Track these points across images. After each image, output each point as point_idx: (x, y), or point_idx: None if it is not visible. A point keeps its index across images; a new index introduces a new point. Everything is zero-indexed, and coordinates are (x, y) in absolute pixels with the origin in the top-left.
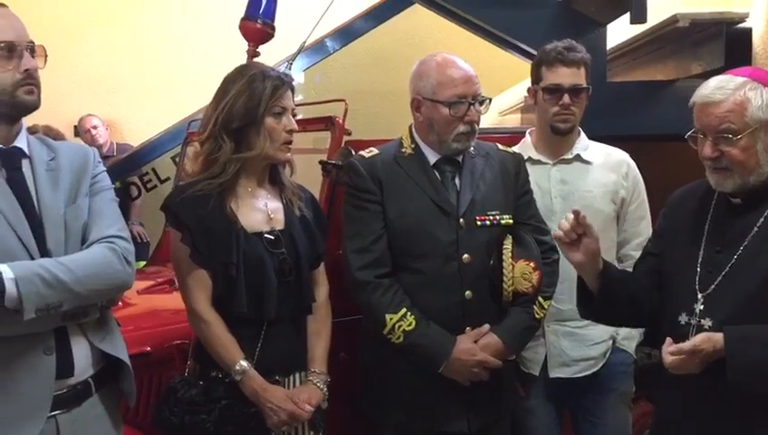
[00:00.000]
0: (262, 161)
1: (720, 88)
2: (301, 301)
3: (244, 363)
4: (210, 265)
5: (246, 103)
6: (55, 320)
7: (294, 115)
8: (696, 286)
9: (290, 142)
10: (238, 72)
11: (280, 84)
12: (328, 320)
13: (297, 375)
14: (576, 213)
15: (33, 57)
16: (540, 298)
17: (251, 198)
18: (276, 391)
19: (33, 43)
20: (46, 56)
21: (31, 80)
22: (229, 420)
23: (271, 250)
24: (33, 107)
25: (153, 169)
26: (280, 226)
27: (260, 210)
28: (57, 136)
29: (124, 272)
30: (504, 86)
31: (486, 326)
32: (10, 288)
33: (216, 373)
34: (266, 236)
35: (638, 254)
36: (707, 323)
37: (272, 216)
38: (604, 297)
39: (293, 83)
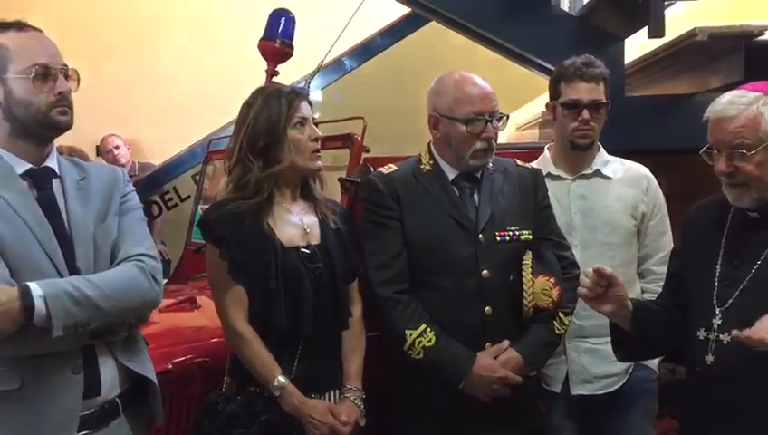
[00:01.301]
0: (293, 175)
1: (733, 103)
2: (337, 316)
3: (283, 379)
4: (248, 279)
5: (267, 120)
6: (83, 338)
7: (316, 124)
8: (714, 301)
9: (318, 151)
10: (254, 96)
11: (295, 97)
12: (362, 336)
13: (332, 393)
14: (597, 271)
15: (66, 80)
16: (560, 314)
17: (286, 214)
18: (317, 404)
19: (66, 66)
20: (79, 79)
21: (65, 101)
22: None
23: (307, 264)
24: (67, 127)
25: (174, 188)
26: (315, 240)
27: (296, 225)
28: (81, 156)
29: (152, 290)
30: (522, 101)
31: (506, 342)
32: (39, 306)
33: (255, 388)
34: (302, 250)
35: (659, 269)
36: (726, 338)
37: (307, 230)
38: (641, 338)
39: (311, 98)
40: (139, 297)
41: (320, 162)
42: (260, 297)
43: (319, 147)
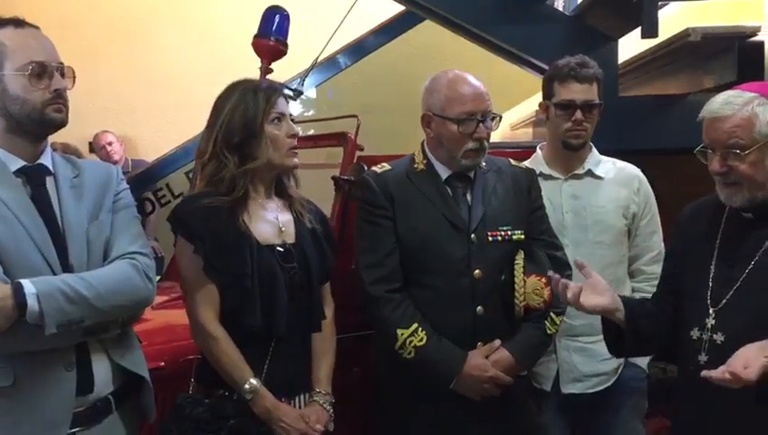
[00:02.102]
0: (269, 172)
1: (728, 103)
2: (311, 317)
3: (255, 381)
4: (223, 277)
5: (243, 116)
6: (76, 335)
7: (293, 121)
8: (708, 301)
9: (295, 148)
10: (228, 91)
11: (272, 92)
12: (333, 339)
13: (302, 396)
14: (580, 266)
15: (62, 78)
16: (552, 314)
17: (261, 211)
18: (288, 410)
19: (62, 64)
20: (74, 77)
21: (60, 99)
22: None
23: (282, 264)
24: (62, 124)
25: (167, 185)
26: (291, 239)
27: (271, 223)
28: (74, 153)
29: (145, 288)
30: (515, 100)
31: (498, 341)
32: (32, 304)
33: (223, 391)
34: (278, 249)
35: (649, 268)
36: (719, 337)
37: (283, 229)
38: (634, 334)
39: (304, 97)
40: (132, 295)
41: (297, 159)
42: (234, 296)
43: (296, 143)
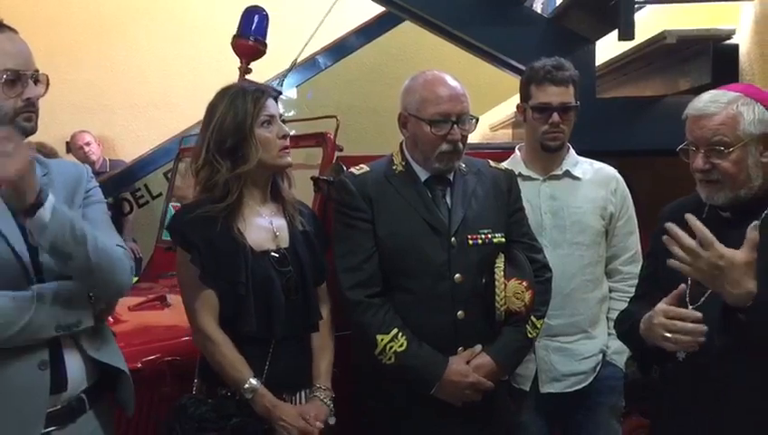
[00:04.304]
0: (263, 174)
1: (714, 101)
2: (308, 319)
3: (254, 381)
4: (219, 285)
5: (233, 120)
6: (49, 329)
7: (284, 121)
8: (687, 299)
9: (287, 148)
10: (219, 96)
11: (260, 95)
12: (331, 336)
13: (303, 392)
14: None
15: (36, 85)
16: (532, 317)
17: (256, 217)
18: (288, 408)
19: (37, 71)
20: (48, 83)
21: (32, 108)
22: None
23: (278, 268)
24: (31, 133)
25: (145, 185)
26: (285, 243)
27: (266, 228)
28: (50, 153)
29: (128, 277)
30: (494, 101)
31: (479, 347)
32: (47, 208)
33: (226, 391)
34: (272, 254)
35: (626, 268)
36: None
37: (277, 233)
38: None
39: (284, 96)
40: (118, 274)
41: (289, 159)
42: (230, 303)
43: (288, 144)
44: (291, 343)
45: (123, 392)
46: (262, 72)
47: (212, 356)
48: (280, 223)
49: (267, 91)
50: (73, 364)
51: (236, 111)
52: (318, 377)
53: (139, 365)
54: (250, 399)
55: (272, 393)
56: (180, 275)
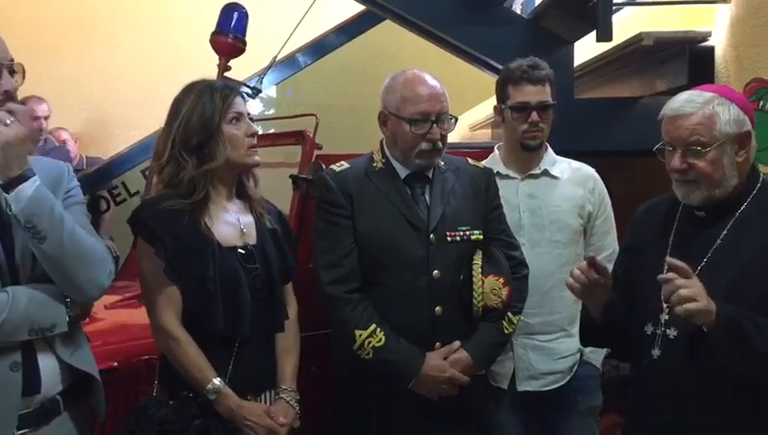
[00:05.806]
0: (230, 171)
1: (690, 102)
2: (274, 318)
3: (218, 382)
4: (185, 280)
5: (201, 117)
6: (22, 332)
7: (252, 120)
8: (662, 297)
9: (255, 146)
10: (185, 92)
11: (229, 92)
12: (297, 337)
13: (268, 394)
14: (591, 259)
15: (12, 76)
16: (509, 314)
17: (223, 213)
18: (253, 407)
19: (12, 61)
20: (24, 73)
21: (9, 100)
22: None
23: (245, 265)
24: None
25: (123, 183)
26: (252, 240)
27: (233, 224)
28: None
29: (107, 278)
30: (474, 101)
31: (457, 343)
32: (31, 182)
33: (187, 392)
34: (239, 250)
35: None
36: (672, 332)
37: (244, 230)
38: (606, 325)
39: (263, 95)
40: (99, 270)
41: (257, 157)
42: (196, 299)
43: (256, 142)
44: (256, 342)
45: (94, 397)
46: (241, 69)
47: (174, 355)
48: (247, 220)
49: (235, 89)
50: (47, 367)
51: (204, 108)
52: (284, 379)
53: (116, 364)
54: (213, 400)
55: (236, 394)
56: (141, 269)
